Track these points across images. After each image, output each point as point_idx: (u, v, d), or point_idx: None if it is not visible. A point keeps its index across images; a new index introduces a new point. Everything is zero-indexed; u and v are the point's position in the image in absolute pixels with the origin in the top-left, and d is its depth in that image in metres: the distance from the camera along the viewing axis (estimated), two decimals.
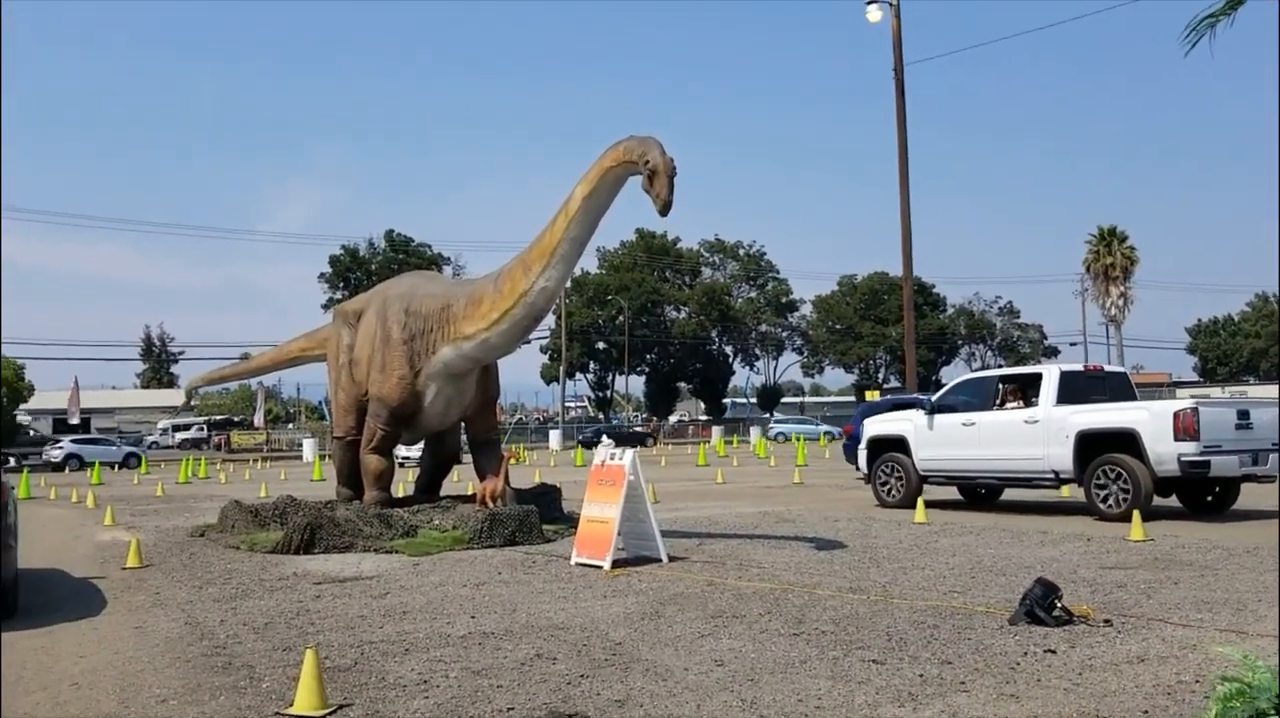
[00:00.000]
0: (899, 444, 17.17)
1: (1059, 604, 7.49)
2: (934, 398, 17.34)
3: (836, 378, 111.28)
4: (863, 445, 18.03)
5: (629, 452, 11.23)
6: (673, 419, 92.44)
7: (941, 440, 16.46)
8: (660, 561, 10.92)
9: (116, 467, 47.51)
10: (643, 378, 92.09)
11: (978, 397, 16.64)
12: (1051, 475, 15.11)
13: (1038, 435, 15.12)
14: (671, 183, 10.83)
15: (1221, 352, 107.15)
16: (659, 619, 7.96)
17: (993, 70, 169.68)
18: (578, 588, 9.55)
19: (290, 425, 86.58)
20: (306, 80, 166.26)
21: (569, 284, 71.46)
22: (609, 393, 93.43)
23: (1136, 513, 12.51)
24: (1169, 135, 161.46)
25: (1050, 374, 15.62)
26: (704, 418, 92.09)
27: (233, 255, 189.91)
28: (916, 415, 17.06)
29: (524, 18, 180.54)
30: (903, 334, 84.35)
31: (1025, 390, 16.19)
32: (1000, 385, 16.51)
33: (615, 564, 10.61)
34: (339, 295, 75.84)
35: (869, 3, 31.08)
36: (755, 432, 67.42)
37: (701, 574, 10.12)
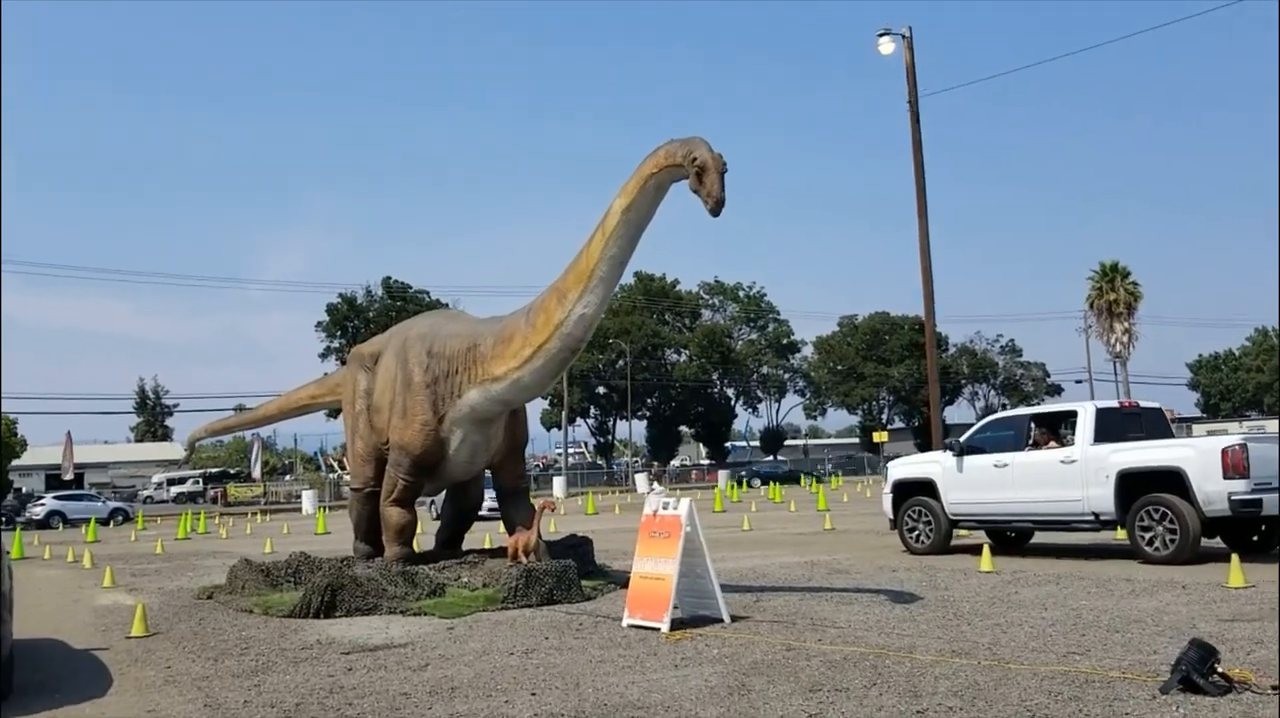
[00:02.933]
0: (927, 488, 16.32)
1: (1218, 669, 6.51)
2: (962, 438, 16.50)
3: (836, 420, 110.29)
4: (887, 490, 17.18)
5: (685, 501, 10.24)
6: (674, 463, 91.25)
7: (972, 483, 15.63)
8: (722, 621, 9.90)
9: (109, 523, 46.50)
10: (644, 422, 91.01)
11: (1008, 436, 15.84)
12: (1091, 518, 14.31)
13: (1075, 476, 14.34)
14: (723, 179, 9.96)
15: (1224, 387, 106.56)
16: (749, 694, 6.94)
17: (993, 107, 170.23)
18: (640, 655, 8.53)
19: (288, 477, 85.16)
20: (301, 127, 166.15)
21: None
22: (610, 438, 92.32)
23: (1235, 557, 11.56)
24: (1170, 171, 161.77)
25: (1086, 412, 14.86)
26: (706, 462, 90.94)
27: (227, 306, 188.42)
28: (944, 457, 16.25)
29: (523, 60, 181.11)
30: (905, 375, 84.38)
31: (1057, 429, 15.43)
32: (1032, 424, 15.68)
33: (673, 626, 9.61)
34: (336, 344, 74.98)
35: (880, 35, 30.54)
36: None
37: (775, 637, 9.10)
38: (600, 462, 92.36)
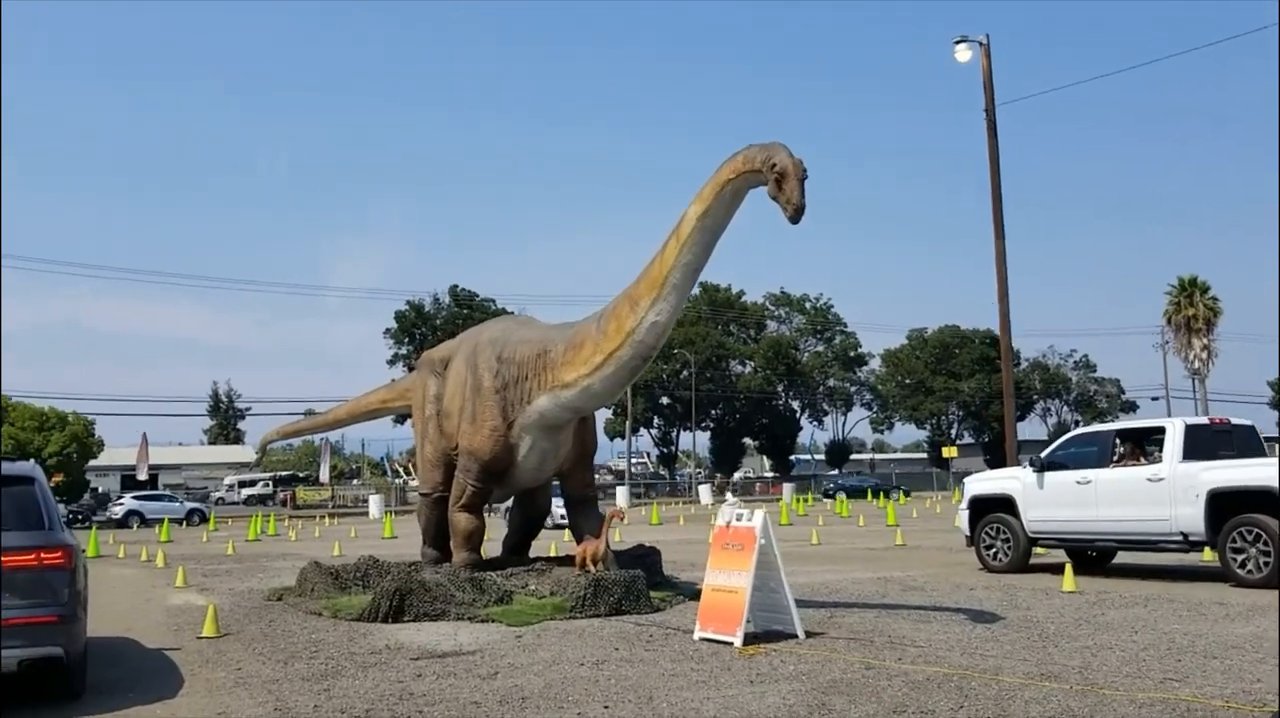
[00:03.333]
0: (1005, 504, 15.87)
1: None
2: (1043, 454, 16.03)
3: (903, 435, 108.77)
4: (964, 506, 16.74)
5: (759, 513, 10.01)
6: (737, 476, 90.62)
7: (1053, 500, 15.16)
8: (795, 636, 9.64)
9: (183, 523, 47.41)
10: (708, 434, 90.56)
11: (1091, 453, 15.34)
12: (1180, 538, 13.76)
13: (1163, 494, 13.81)
14: (803, 186, 9.74)
15: None
16: (831, 714, 6.69)
17: (1068, 120, 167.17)
18: (714, 670, 8.31)
19: (355, 481, 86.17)
20: (374, 134, 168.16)
21: None
22: (673, 449, 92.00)
23: None
24: (1252, 181, 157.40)
25: (1175, 428, 14.30)
26: (770, 475, 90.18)
27: (299, 312, 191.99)
28: (1024, 473, 15.80)
29: (594, 70, 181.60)
30: (976, 389, 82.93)
31: (1143, 446, 14.88)
32: (1117, 440, 15.17)
33: (746, 640, 9.37)
34: (404, 351, 75.74)
35: (956, 42, 30.03)
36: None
37: (852, 655, 8.82)
38: (663, 473, 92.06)
